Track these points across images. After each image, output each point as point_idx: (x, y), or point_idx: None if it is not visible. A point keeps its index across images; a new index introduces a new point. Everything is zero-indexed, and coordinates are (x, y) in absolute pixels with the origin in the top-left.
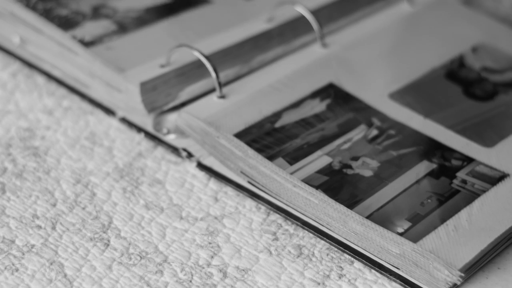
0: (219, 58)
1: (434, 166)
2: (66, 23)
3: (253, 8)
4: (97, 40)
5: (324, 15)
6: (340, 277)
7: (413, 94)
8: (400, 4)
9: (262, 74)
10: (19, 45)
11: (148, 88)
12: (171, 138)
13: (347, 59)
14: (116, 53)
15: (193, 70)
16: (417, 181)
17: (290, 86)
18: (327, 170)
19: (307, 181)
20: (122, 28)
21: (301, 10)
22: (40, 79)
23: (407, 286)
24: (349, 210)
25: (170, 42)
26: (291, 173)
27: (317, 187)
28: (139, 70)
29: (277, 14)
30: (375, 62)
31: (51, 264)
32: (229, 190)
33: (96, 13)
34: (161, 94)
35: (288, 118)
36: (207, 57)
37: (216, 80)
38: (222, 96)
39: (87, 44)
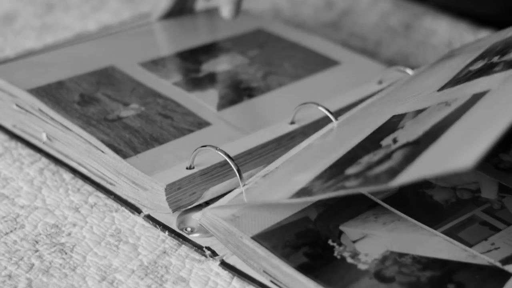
0: (243, 158)
1: None
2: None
3: (276, 109)
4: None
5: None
6: None
7: None
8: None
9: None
10: (46, 142)
11: (173, 188)
12: (195, 237)
13: None
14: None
15: (217, 169)
16: None
17: None
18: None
19: None
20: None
21: (324, 110)
22: (66, 175)
23: None
24: None
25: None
26: None
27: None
28: (165, 172)
29: (300, 114)
30: (383, 110)
31: None
32: None
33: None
34: (186, 193)
35: None
36: (231, 158)
37: (239, 180)
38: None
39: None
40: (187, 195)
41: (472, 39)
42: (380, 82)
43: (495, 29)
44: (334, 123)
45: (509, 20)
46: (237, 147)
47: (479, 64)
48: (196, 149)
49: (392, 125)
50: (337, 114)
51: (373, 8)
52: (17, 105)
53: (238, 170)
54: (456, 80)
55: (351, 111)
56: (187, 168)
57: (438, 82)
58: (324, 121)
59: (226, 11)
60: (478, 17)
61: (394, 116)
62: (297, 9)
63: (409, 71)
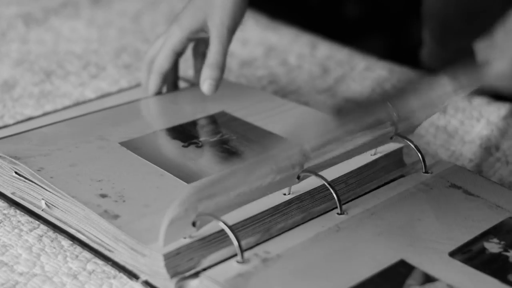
0: (241, 226)
1: None
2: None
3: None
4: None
5: (341, 181)
6: None
7: None
8: (418, 173)
9: (281, 240)
10: (45, 209)
11: (172, 254)
12: None
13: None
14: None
15: (215, 235)
16: None
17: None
18: None
19: None
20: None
21: (321, 179)
22: (65, 242)
23: None
24: None
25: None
26: None
27: None
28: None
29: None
30: (391, 230)
31: None
32: None
33: None
34: (184, 259)
35: None
36: (230, 227)
37: (238, 248)
38: (243, 261)
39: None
40: (185, 261)
41: (467, 105)
42: (374, 154)
43: (487, 96)
44: (340, 218)
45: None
46: (234, 215)
47: (494, 247)
48: (195, 217)
49: (399, 278)
50: (334, 182)
51: (369, 74)
52: (16, 172)
53: (238, 240)
54: (470, 257)
55: (360, 201)
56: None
57: (449, 234)
58: (320, 189)
59: (205, 86)
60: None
61: (401, 263)
62: (293, 75)
63: (408, 143)
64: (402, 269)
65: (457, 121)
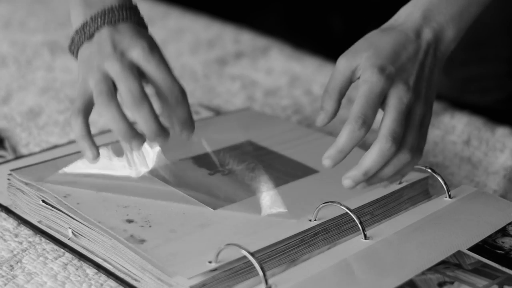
0: (267, 257)
1: None
2: None
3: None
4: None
5: (367, 213)
6: None
7: None
8: (440, 197)
9: (307, 265)
10: (71, 238)
11: (198, 285)
12: None
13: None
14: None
15: (241, 265)
16: None
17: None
18: None
19: None
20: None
21: (345, 208)
22: (90, 271)
23: None
24: None
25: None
26: None
27: None
28: (190, 269)
29: (322, 213)
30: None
31: None
32: None
33: None
34: None
35: None
36: (255, 257)
37: (263, 277)
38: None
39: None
40: None
41: (490, 136)
42: (400, 182)
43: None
44: (364, 242)
45: None
46: (260, 244)
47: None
48: (220, 248)
49: None
50: (359, 213)
51: None
52: (43, 201)
53: (263, 271)
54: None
55: (384, 226)
56: (209, 262)
57: None
58: (347, 220)
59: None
60: (495, 114)
61: None
62: (318, 104)
63: (429, 170)
64: None
65: (481, 152)
